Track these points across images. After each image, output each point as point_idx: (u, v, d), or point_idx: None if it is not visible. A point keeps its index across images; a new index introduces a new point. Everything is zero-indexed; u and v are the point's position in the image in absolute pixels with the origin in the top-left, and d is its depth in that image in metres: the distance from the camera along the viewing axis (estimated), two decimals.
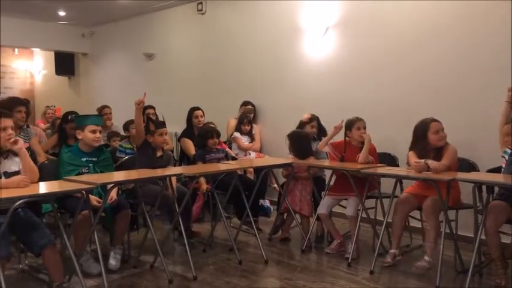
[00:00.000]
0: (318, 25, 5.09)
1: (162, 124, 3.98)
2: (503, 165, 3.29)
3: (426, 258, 3.33)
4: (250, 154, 5.19)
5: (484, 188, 3.24)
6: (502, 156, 3.32)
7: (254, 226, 3.92)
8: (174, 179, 3.82)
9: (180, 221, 3.50)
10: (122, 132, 5.11)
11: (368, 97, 4.70)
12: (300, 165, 4.10)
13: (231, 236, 3.81)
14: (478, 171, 3.58)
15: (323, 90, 5.10)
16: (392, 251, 3.58)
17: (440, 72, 4.23)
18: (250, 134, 5.29)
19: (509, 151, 3.25)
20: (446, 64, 4.19)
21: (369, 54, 4.74)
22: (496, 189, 3.25)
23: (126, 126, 4.86)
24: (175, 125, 5.59)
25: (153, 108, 5.38)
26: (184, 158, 5.10)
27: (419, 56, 4.36)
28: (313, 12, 5.15)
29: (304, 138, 4.20)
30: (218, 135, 4.45)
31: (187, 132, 5.22)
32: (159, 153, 3.97)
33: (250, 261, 3.69)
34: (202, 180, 4.18)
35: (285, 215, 4.27)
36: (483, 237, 3.14)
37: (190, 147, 4.94)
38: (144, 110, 5.41)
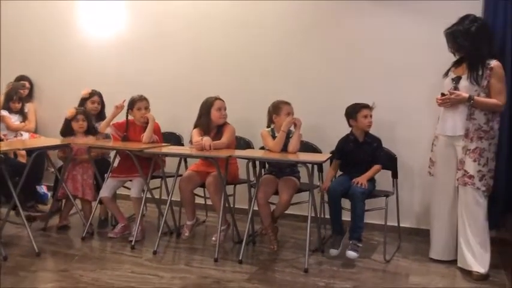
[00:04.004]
0: None
1: None
2: None
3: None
4: (22, 135, 4.57)
5: (258, 163, 3.53)
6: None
7: (23, 215, 3.45)
8: None
9: None
10: None
11: (155, 75, 4.61)
12: (80, 146, 3.79)
13: None
14: (253, 148, 3.88)
15: (107, 66, 4.80)
16: (188, 222, 3.68)
17: (226, 54, 4.37)
18: (22, 113, 4.65)
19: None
20: (233, 47, 4.35)
21: (156, 31, 4.63)
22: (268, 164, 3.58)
23: None
24: None
25: None
26: None
27: (206, 37, 4.44)
28: None
29: (90, 115, 3.94)
30: None
31: None
32: None
33: (19, 256, 3.25)
34: None
35: (63, 201, 3.92)
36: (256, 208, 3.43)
37: None
38: None
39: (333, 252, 3.28)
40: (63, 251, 3.43)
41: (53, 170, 4.03)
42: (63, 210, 3.94)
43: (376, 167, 3.42)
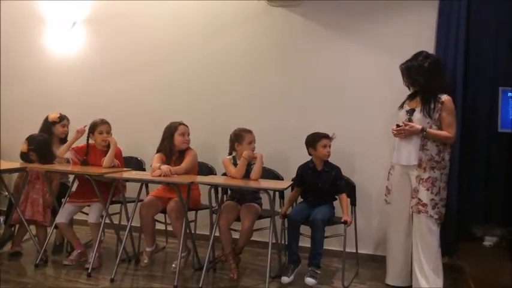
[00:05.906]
0: (64, 18, 4.75)
1: None
2: None
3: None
4: None
5: (220, 189, 3.54)
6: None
7: None
8: None
9: None
10: None
11: (117, 98, 4.59)
12: (37, 169, 3.69)
13: None
14: (216, 174, 3.89)
15: (69, 89, 4.75)
16: (148, 249, 3.61)
17: (190, 79, 4.42)
18: None
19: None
20: (197, 73, 4.40)
21: (120, 54, 4.64)
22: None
23: None
24: None
25: None
26: None
27: (170, 62, 4.48)
28: (58, 4, 4.76)
29: (46, 142, 3.81)
30: None
31: None
32: None
33: None
34: None
35: (17, 226, 3.77)
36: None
37: None
38: None
39: (285, 280, 3.27)
40: (14, 279, 3.30)
41: (6, 193, 3.88)
42: (16, 235, 3.79)
43: (344, 198, 3.49)
